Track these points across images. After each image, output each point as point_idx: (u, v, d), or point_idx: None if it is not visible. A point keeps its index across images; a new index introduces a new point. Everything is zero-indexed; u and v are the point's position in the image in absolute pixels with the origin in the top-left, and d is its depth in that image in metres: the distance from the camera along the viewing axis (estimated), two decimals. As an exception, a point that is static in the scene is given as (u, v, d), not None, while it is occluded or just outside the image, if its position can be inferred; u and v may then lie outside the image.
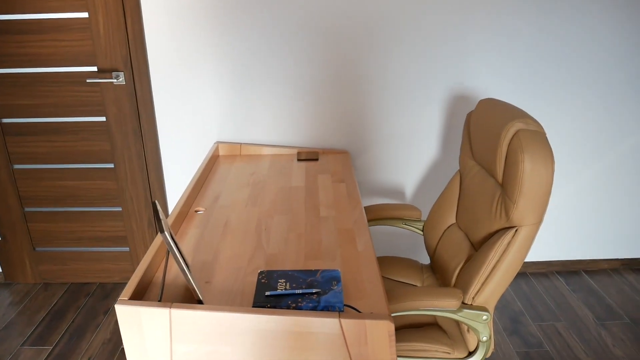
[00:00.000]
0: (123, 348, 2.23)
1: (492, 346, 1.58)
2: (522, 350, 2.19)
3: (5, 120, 2.39)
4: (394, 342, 1.20)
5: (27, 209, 2.57)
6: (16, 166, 2.48)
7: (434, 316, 1.71)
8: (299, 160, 2.27)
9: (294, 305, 1.19)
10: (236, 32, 2.21)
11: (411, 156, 2.44)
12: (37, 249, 2.65)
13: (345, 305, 1.22)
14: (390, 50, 2.24)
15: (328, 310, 1.19)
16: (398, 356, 1.54)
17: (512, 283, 2.66)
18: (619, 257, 2.77)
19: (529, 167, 1.33)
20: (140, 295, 1.28)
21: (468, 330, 1.56)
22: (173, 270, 1.42)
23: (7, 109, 2.36)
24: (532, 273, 2.76)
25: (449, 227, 1.82)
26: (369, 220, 2.00)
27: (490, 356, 2.16)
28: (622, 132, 2.45)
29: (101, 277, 2.70)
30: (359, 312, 1.22)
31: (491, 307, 1.49)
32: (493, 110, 1.56)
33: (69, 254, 2.65)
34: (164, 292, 1.31)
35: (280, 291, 1.24)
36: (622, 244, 2.72)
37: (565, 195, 2.59)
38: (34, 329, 2.36)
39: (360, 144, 2.41)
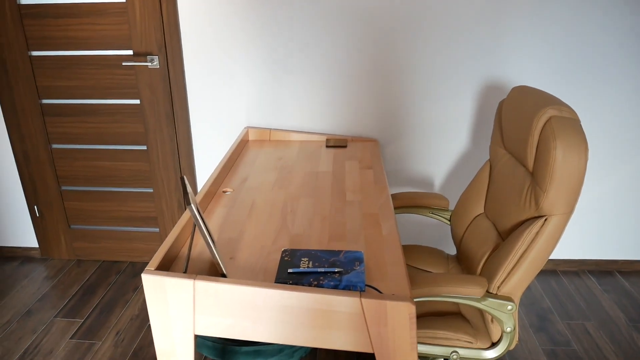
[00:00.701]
0: (149, 325, 2.29)
1: (516, 338, 1.55)
2: (548, 347, 2.14)
3: (45, 101, 2.48)
4: (414, 325, 1.19)
5: (63, 188, 2.65)
6: (54, 146, 2.57)
7: (458, 306, 1.69)
8: (327, 147, 2.27)
9: (315, 283, 1.20)
10: (270, 18, 2.22)
11: (441, 146, 2.41)
12: (72, 226, 2.74)
13: (366, 285, 1.22)
14: (423, 38, 2.22)
15: (349, 290, 1.19)
16: (419, 343, 1.53)
17: (541, 280, 2.61)
18: (656, 259, 2.67)
19: (560, 155, 1.30)
20: (166, 268, 1.31)
21: (492, 321, 1.54)
22: (199, 246, 1.44)
23: (47, 90, 2.44)
24: (563, 271, 2.70)
25: (476, 216, 1.79)
26: (395, 208, 1.99)
27: (514, 350, 2.12)
28: (663, 128, 2.36)
29: (132, 256, 2.77)
30: (380, 292, 1.21)
31: (517, 297, 1.47)
32: (526, 97, 1.52)
33: (102, 233, 2.72)
34: (189, 265, 1.34)
35: (302, 269, 1.24)
36: (659, 244, 2.63)
37: (602, 191, 2.52)
38: (67, 302, 2.44)
39: (390, 133, 2.40)
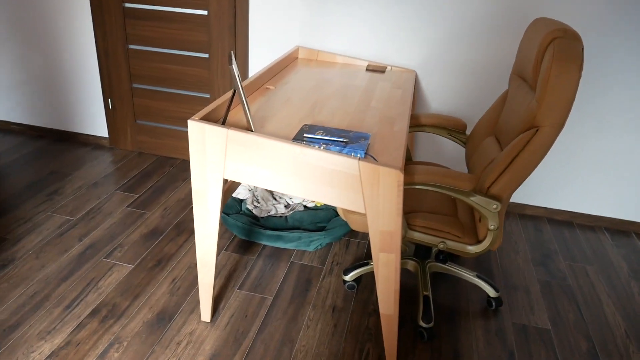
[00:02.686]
0: (192, 207, 2.64)
1: (500, 240, 1.75)
2: (543, 279, 2.31)
3: (127, 5, 2.81)
4: (401, 192, 1.42)
5: (134, 85, 3.02)
6: (131, 46, 2.92)
7: (455, 210, 1.90)
8: (367, 70, 2.48)
9: (324, 146, 1.45)
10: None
11: (476, 85, 2.56)
12: (137, 121, 3.12)
13: (366, 154, 1.46)
14: (471, -24, 2.35)
15: (351, 155, 1.43)
16: (414, 230, 1.77)
17: (554, 228, 2.74)
18: (674, 225, 2.73)
19: (556, 71, 1.46)
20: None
21: (480, 220, 1.74)
22: (236, 117, 1.72)
23: (130, -6, 2.78)
24: (579, 224, 2.81)
25: (487, 138, 1.97)
26: (415, 125, 2.19)
27: (509, 274, 2.31)
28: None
29: (185, 154, 3.13)
30: (376, 160, 1.45)
31: (504, 199, 1.66)
32: (541, 26, 1.67)
33: (162, 130, 3.09)
34: (226, 123, 1.62)
35: (316, 136, 1.50)
36: (679, 210, 2.68)
37: (629, 150, 2.59)
38: (127, 182, 2.84)
39: (429, 66, 2.57)
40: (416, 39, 2.52)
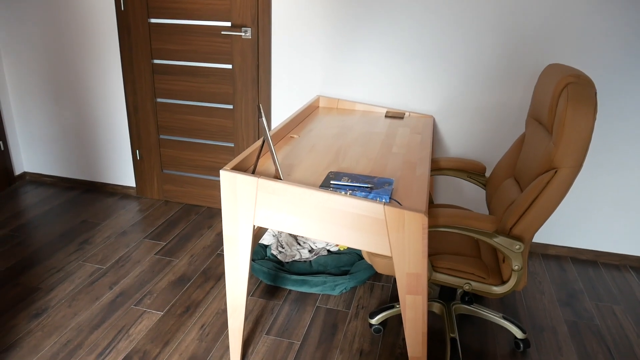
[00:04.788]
0: (218, 253, 2.70)
1: (525, 280, 1.77)
2: (570, 319, 2.30)
3: (156, 61, 2.98)
4: (426, 235, 1.47)
5: (161, 136, 3.15)
6: (158, 100, 3.07)
7: (478, 251, 1.93)
8: (386, 117, 2.58)
9: (350, 192, 1.52)
10: (346, 3, 2.57)
11: (493, 129, 2.63)
12: (164, 170, 3.24)
13: (391, 198, 1.52)
14: (488, 27, 2.46)
15: (376, 200, 1.49)
16: (439, 272, 1.80)
17: (578, 267, 2.73)
18: (701, 262, 2.71)
19: (571, 114, 1.53)
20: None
21: (504, 261, 1.77)
22: (265, 166, 1.80)
23: (159, 51, 2.94)
24: (604, 263, 2.80)
25: (506, 179, 2.02)
26: (435, 169, 2.26)
27: (536, 316, 2.30)
28: None
29: (210, 202, 3.22)
30: (401, 205, 1.51)
31: (526, 239, 1.69)
32: (555, 71, 1.75)
33: (187, 179, 3.20)
34: (255, 172, 1.70)
35: (342, 182, 1.57)
36: None
37: (645, 187, 2.61)
38: (154, 230, 2.92)
39: (446, 112, 2.65)
40: (433, 86, 2.62)
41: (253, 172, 1.61)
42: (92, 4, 2.95)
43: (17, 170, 3.51)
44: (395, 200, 1.52)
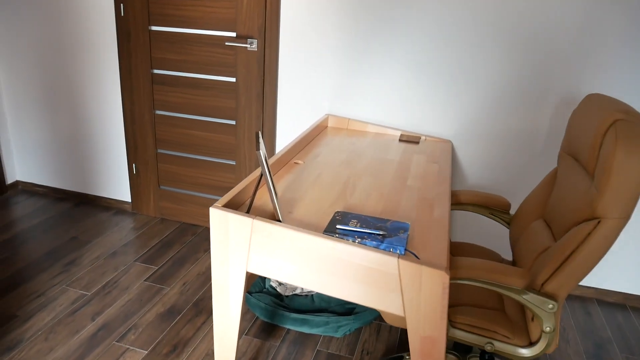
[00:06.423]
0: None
1: (556, 342, 1.54)
2: (600, 374, 2.06)
3: (155, 71, 2.79)
4: (447, 295, 1.25)
5: (159, 150, 2.96)
6: (157, 112, 2.88)
7: (502, 303, 1.70)
8: (400, 141, 2.36)
9: (359, 240, 1.30)
10: (360, 16, 2.36)
11: (514, 155, 2.41)
12: (161, 186, 3.04)
13: (406, 250, 1.30)
14: (507, 48, 2.24)
15: (389, 251, 1.28)
16: (457, 328, 1.58)
17: (606, 312, 2.49)
18: None
19: (621, 157, 1.30)
20: (232, 209, 1.47)
21: (533, 319, 1.54)
22: (263, 200, 1.60)
23: (159, 61, 2.75)
24: (633, 307, 2.56)
25: (535, 221, 1.79)
26: (454, 204, 2.03)
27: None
28: None
29: (208, 222, 3.02)
30: (418, 258, 1.29)
31: (560, 297, 1.47)
32: (597, 103, 1.53)
33: (186, 196, 3.00)
34: (251, 210, 1.49)
35: (350, 227, 1.35)
36: None
37: (684, 228, 2.37)
38: (147, 251, 2.72)
39: (464, 136, 2.44)
40: (452, 107, 2.41)
41: (248, 211, 1.40)
42: (90, 8, 2.77)
43: (10, 179, 3.34)
44: (411, 252, 1.30)
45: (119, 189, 3.16)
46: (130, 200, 3.16)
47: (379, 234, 1.33)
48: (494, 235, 2.60)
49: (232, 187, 2.89)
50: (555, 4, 2.14)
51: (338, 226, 1.36)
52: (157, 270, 2.55)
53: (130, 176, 3.07)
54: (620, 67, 2.17)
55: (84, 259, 2.61)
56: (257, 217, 1.35)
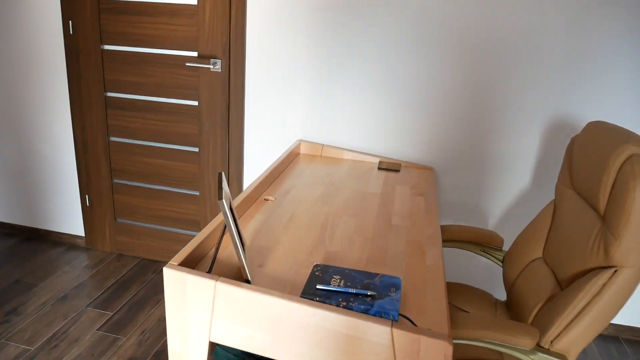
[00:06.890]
0: (176, 328, 2.23)
1: (567, 403, 1.36)
2: (602, 421, 1.90)
3: (109, 94, 2.54)
4: (449, 368, 1.05)
5: (115, 180, 2.69)
6: (112, 138, 2.62)
7: (502, 356, 1.52)
8: (379, 169, 2.18)
9: (344, 304, 1.09)
10: (333, 34, 2.18)
11: (501, 182, 2.25)
12: (118, 219, 2.77)
13: (400, 315, 1.10)
14: (490, 70, 2.10)
15: (380, 317, 1.07)
16: (454, 391, 1.38)
17: (599, 345, 2.35)
18: None
19: (641, 198, 1.14)
20: (191, 266, 1.24)
21: (540, 379, 1.36)
22: (229, 249, 1.37)
23: (113, 83, 2.50)
24: (627, 339, 2.42)
25: (533, 261, 1.62)
26: (444, 240, 1.85)
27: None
28: None
29: (170, 257, 2.76)
30: (415, 325, 1.09)
31: (572, 356, 1.29)
32: (603, 133, 1.37)
33: (145, 230, 2.73)
34: (215, 267, 1.27)
35: (333, 287, 1.14)
36: None
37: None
38: (101, 294, 2.44)
39: (447, 163, 2.27)
40: (431, 131, 2.24)
41: (209, 271, 1.18)
42: (37, 26, 2.51)
43: (-53, 213, 3.00)
44: (405, 316, 1.10)
45: (72, 222, 2.87)
46: (83, 235, 2.87)
47: (367, 295, 1.13)
48: (483, 275, 2.43)
49: (195, 220, 2.64)
50: (541, 25, 2.01)
51: (318, 286, 1.14)
52: (112, 316, 2.28)
53: (83, 209, 2.79)
54: (612, 89, 2.04)
55: (28, 306, 2.31)
56: (221, 277, 1.13)
